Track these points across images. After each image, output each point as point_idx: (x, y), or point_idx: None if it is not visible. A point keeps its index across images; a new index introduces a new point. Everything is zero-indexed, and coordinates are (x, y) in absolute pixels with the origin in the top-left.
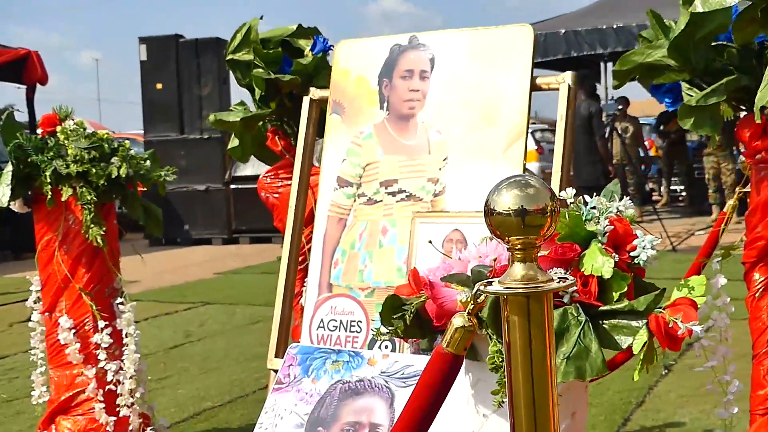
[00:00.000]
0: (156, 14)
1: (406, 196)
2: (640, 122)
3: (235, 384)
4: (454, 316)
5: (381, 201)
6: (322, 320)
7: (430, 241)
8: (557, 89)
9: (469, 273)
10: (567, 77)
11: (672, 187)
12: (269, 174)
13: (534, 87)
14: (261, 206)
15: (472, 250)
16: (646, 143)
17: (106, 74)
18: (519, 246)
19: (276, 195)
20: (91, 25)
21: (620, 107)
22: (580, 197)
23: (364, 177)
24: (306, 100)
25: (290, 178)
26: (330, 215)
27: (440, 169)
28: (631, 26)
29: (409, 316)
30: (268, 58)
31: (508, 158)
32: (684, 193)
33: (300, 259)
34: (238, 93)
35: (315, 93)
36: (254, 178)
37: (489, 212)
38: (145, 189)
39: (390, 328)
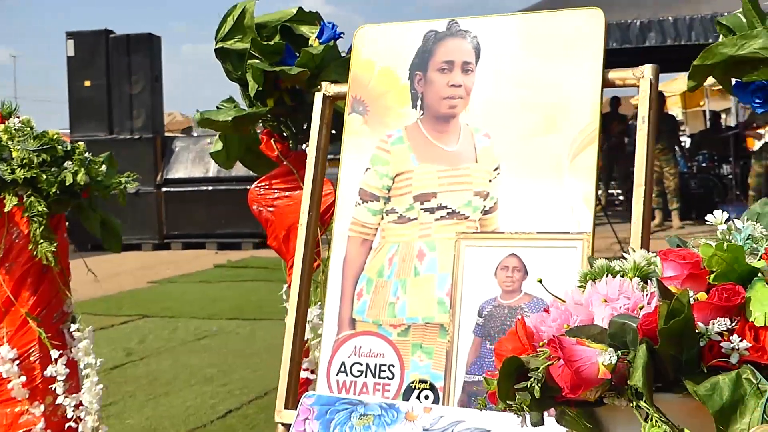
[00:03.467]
0: (82, 9)
1: (448, 213)
2: None
3: (189, 412)
4: None
5: (416, 219)
6: (343, 363)
7: (540, 280)
8: (635, 85)
9: (601, 324)
10: (647, 71)
11: (609, 191)
12: (262, 184)
13: (606, 83)
14: (194, 210)
15: (587, 290)
16: None
17: (24, 71)
18: None
19: (271, 208)
20: (5, 20)
21: None
22: (731, 222)
23: (394, 190)
24: (318, 97)
25: (288, 189)
26: (351, 236)
27: (490, 181)
28: None
29: (539, 386)
30: (269, 48)
31: (577, 169)
32: (621, 197)
33: None
34: (170, 92)
35: (329, 88)
36: (187, 181)
37: None
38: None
39: (511, 403)
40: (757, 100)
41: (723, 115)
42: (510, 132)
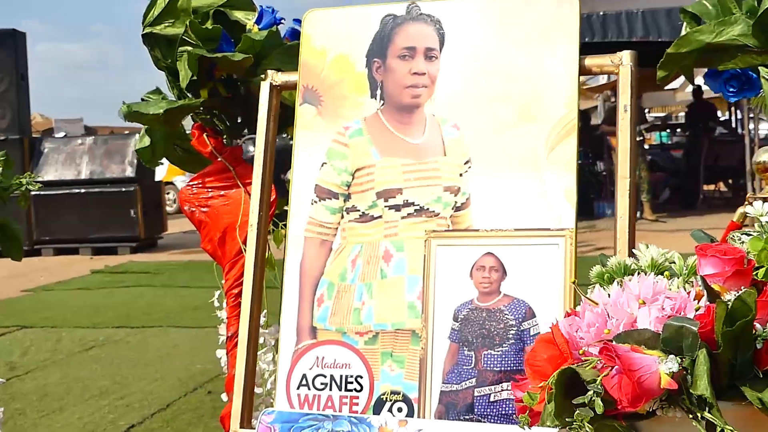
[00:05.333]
0: None
1: (416, 210)
2: None
3: (88, 429)
4: None
5: (380, 217)
6: (304, 376)
7: (574, 282)
8: (614, 72)
9: (649, 327)
10: (625, 57)
11: None
12: (195, 183)
13: (582, 70)
14: (65, 214)
15: (615, 290)
16: None
17: None
18: None
19: (205, 209)
20: None
21: None
22: None
23: (354, 186)
24: (264, 87)
25: (223, 187)
26: (308, 236)
27: (461, 175)
28: None
29: (599, 398)
30: (205, 34)
31: (555, 162)
32: None
33: (237, 290)
34: (36, 91)
35: (276, 77)
36: (58, 184)
37: None
38: None
39: (571, 420)
40: (731, 88)
41: (590, 115)
42: (481, 123)
